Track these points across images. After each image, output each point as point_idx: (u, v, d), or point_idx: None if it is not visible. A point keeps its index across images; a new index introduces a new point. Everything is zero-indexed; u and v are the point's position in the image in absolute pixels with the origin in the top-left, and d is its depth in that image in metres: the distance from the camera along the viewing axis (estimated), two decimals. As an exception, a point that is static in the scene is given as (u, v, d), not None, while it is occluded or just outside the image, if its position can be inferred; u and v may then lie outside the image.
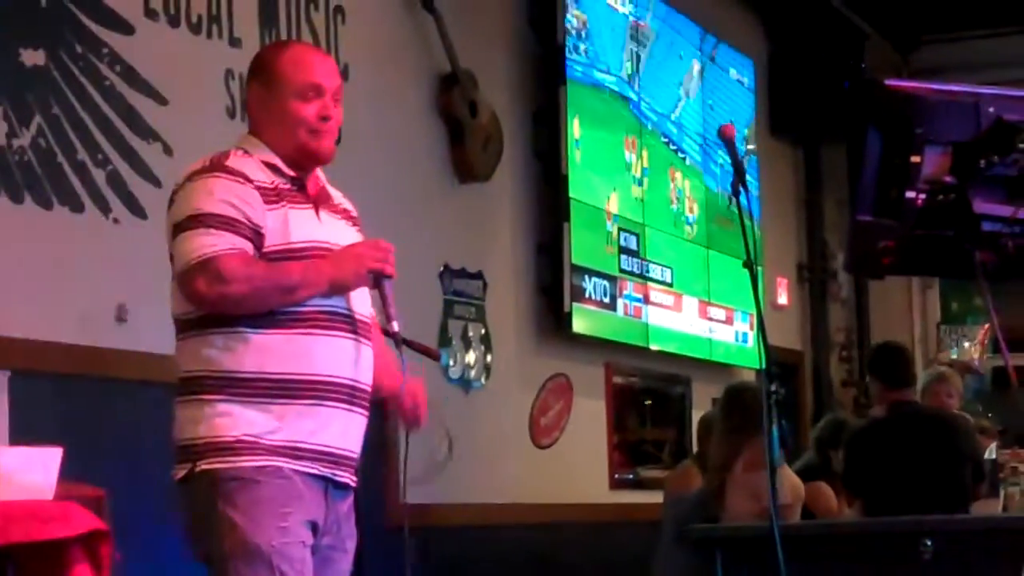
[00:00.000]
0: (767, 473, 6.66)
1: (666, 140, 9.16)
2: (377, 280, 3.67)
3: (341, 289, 3.63)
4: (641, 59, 8.87)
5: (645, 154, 8.84)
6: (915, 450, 6.68)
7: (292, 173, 3.69)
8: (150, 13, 5.48)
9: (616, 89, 8.52)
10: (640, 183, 8.75)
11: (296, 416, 3.56)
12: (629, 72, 8.68)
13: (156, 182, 5.34)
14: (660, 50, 9.13)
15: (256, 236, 3.57)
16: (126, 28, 5.36)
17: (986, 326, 11.55)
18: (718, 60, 9.98)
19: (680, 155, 9.33)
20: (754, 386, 7.52)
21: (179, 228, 3.56)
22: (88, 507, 3.93)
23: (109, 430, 5.07)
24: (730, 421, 6.92)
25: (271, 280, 3.55)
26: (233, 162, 3.63)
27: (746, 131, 10.20)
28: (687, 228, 9.34)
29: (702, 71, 9.72)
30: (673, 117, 9.29)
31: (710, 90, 9.85)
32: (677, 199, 9.24)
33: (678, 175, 9.29)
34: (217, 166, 3.61)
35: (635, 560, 7.09)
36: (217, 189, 3.57)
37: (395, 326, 3.70)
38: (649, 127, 8.93)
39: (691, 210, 9.39)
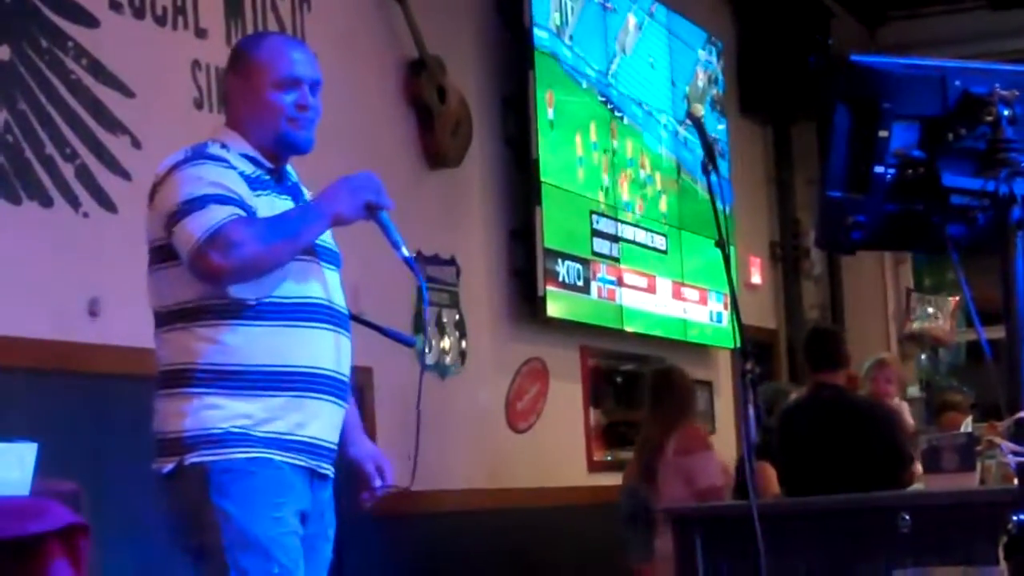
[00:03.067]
0: (698, 456, 6.73)
1: (604, 99, 8.88)
2: (373, 212, 3.69)
3: (339, 223, 3.65)
4: (573, 11, 8.52)
5: (592, 123, 8.64)
6: (827, 433, 6.71)
7: (270, 165, 3.70)
8: (115, 6, 5.46)
9: (548, 47, 8.16)
10: (590, 153, 8.57)
11: (282, 408, 3.57)
12: (558, 24, 8.34)
13: (125, 175, 5.32)
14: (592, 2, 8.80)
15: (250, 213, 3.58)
16: (91, 21, 5.34)
17: (956, 299, 11.60)
18: (675, 31, 9.88)
19: (618, 114, 9.05)
20: (681, 369, 7.57)
21: (174, 218, 3.54)
22: (65, 502, 3.93)
23: (84, 424, 5.05)
24: (660, 404, 6.97)
25: (277, 232, 3.55)
26: (214, 151, 3.65)
27: (687, 88, 10.11)
28: (646, 191, 9.27)
29: (640, 26, 9.42)
30: (609, 74, 8.97)
31: (649, 48, 9.58)
32: (629, 163, 9.13)
33: (621, 137, 9.06)
34: (200, 155, 3.63)
35: (614, 542, 7.10)
36: (205, 174, 3.58)
37: (404, 251, 3.75)
38: (584, 85, 8.61)
39: (643, 166, 9.30)
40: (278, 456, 3.56)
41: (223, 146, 3.68)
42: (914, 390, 10.80)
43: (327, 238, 3.80)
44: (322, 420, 3.65)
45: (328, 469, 3.69)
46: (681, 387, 7.08)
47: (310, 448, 3.62)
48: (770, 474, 7.51)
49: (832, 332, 7.40)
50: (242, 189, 3.59)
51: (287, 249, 3.56)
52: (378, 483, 3.84)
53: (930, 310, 11.58)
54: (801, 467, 6.72)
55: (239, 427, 3.53)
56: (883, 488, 6.49)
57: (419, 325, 7.13)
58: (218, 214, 3.50)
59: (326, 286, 3.70)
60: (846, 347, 7.22)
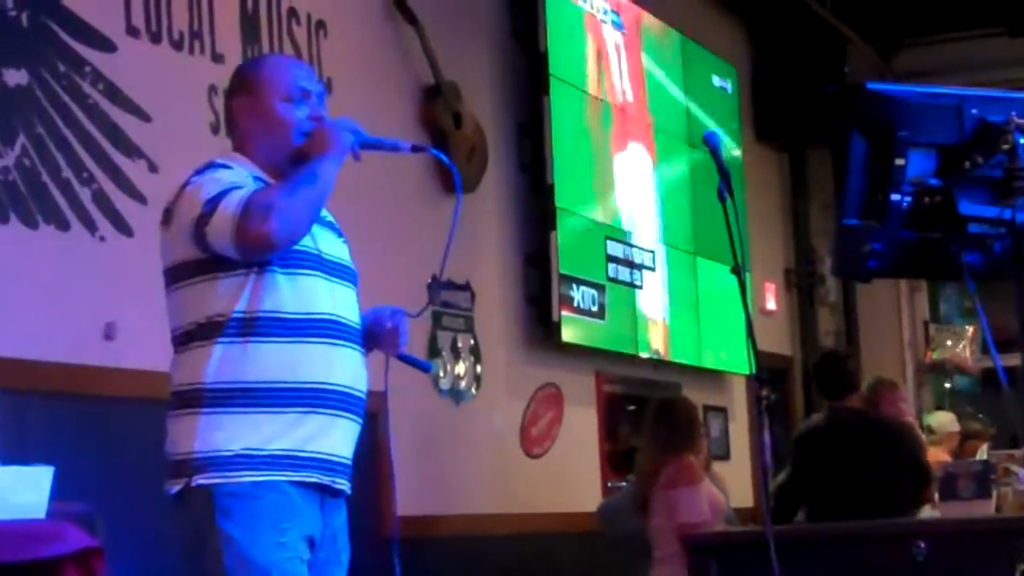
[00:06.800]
0: (683, 491, 6.71)
1: (617, 125, 8.72)
2: (362, 140, 3.72)
3: (343, 153, 3.66)
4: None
5: (607, 148, 8.59)
6: (850, 455, 6.70)
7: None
8: (132, 30, 5.48)
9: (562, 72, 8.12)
10: (604, 178, 8.56)
11: (292, 424, 3.55)
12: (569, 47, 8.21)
13: (141, 199, 5.33)
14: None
15: None
16: (108, 46, 5.36)
17: (974, 327, 11.60)
18: (690, 56, 9.83)
19: (633, 140, 8.91)
20: (685, 401, 7.53)
21: (204, 219, 3.51)
22: (80, 525, 3.93)
23: (99, 447, 5.06)
24: (657, 435, 6.93)
25: (296, 182, 3.55)
26: (221, 162, 3.66)
27: (703, 111, 10.12)
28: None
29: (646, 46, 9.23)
30: (620, 96, 8.74)
31: (662, 67, 9.48)
32: (644, 188, 9.13)
33: (637, 162, 8.99)
34: (209, 166, 3.64)
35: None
36: (221, 176, 3.58)
37: (407, 144, 3.87)
38: (598, 109, 8.39)
39: (657, 191, 9.29)
40: (287, 477, 3.54)
41: (228, 167, 3.68)
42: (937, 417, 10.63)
43: (343, 255, 3.79)
44: (335, 435, 3.63)
45: (343, 484, 3.68)
46: (681, 419, 7.00)
47: (321, 464, 3.60)
48: None
49: (841, 358, 7.40)
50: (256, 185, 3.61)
51: (313, 192, 3.54)
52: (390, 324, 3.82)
53: (949, 342, 11.59)
54: (825, 491, 6.70)
55: (247, 449, 3.52)
56: (907, 507, 6.49)
57: (434, 350, 7.13)
58: (240, 192, 3.51)
59: (338, 302, 3.69)
60: (854, 370, 7.23)
